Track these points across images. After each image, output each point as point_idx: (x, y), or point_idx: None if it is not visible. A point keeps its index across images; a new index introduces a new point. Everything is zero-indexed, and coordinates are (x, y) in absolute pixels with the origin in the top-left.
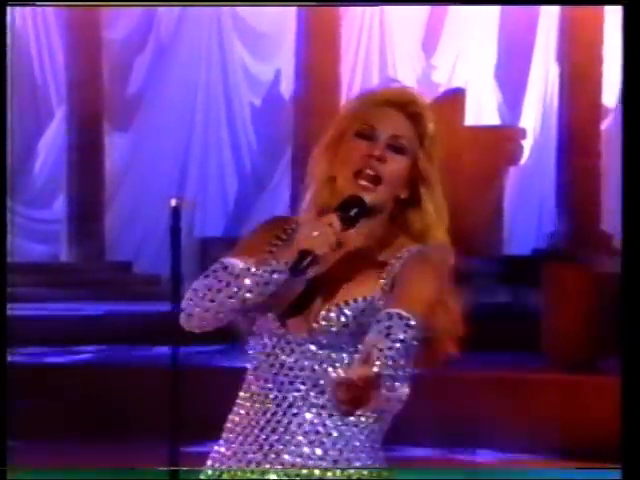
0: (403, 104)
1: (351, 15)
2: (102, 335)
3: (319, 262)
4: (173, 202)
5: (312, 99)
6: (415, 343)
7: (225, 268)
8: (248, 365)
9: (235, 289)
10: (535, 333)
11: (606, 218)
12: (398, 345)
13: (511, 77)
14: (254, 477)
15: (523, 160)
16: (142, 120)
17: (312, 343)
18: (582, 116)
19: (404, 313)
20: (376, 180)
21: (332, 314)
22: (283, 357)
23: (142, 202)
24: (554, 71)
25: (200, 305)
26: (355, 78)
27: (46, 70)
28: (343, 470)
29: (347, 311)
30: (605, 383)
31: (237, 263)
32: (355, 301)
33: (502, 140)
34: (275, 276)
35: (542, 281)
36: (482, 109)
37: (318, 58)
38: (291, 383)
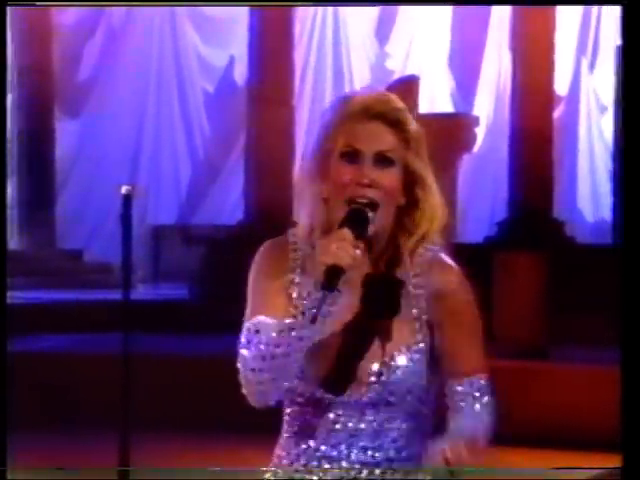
0: (381, 113)
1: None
2: (53, 323)
3: (344, 274)
4: (124, 189)
5: (265, 86)
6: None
7: (258, 332)
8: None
9: (281, 349)
10: (486, 321)
11: (558, 206)
12: (486, 412)
13: (464, 65)
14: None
15: (476, 148)
16: (93, 106)
17: (363, 404)
18: (535, 104)
19: (478, 380)
20: (371, 206)
21: (380, 373)
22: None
23: (93, 189)
24: (507, 58)
25: (257, 383)
26: (309, 65)
27: None
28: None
29: (394, 365)
30: (555, 370)
31: (268, 321)
32: (399, 351)
33: (455, 128)
34: (313, 311)
35: (494, 269)
36: (435, 96)
37: (272, 45)
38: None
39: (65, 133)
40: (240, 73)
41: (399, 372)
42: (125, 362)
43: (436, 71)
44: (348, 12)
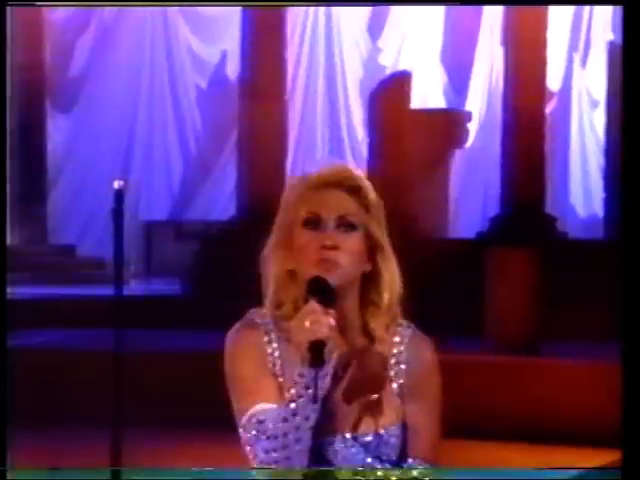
0: (340, 181)
1: None
2: (44, 319)
3: (328, 346)
4: (116, 184)
5: (258, 82)
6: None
7: (261, 422)
8: None
9: (292, 435)
10: (479, 316)
11: (551, 201)
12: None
13: (456, 60)
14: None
15: (469, 143)
16: (85, 102)
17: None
18: (527, 99)
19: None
20: (335, 266)
21: (373, 443)
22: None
23: (85, 185)
24: (499, 55)
25: (275, 463)
26: (301, 61)
27: None
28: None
29: (386, 438)
30: (547, 365)
31: (268, 409)
32: (389, 425)
33: (448, 123)
34: (310, 391)
35: (486, 265)
36: (428, 92)
37: (264, 40)
38: None
39: (57, 129)
40: (232, 69)
41: (390, 444)
42: (117, 358)
43: (428, 67)
44: (341, 8)
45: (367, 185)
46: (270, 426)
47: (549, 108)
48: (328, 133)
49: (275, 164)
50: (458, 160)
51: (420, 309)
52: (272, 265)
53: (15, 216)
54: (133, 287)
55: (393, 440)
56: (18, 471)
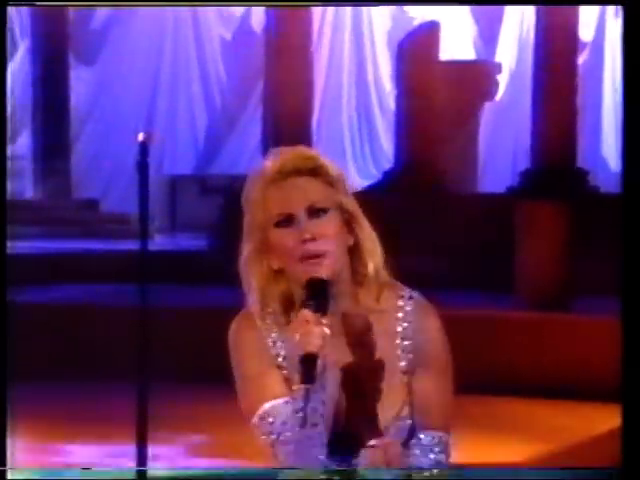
0: (298, 167)
1: None
2: (69, 274)
3: (319, 358)
4: (141, 137)
5: (284, 34)
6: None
7: (271, 423)
8: None
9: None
10: (508, 272)
11: (582, 155)
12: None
13: (487, 11)
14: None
15: (498, 96)
16: (108, 54)
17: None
18: (559, 51)
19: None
20: (321, 257)
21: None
22: None
23: (109, 138)
24: (530, 4)
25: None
26: (327, 12)
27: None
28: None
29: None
30: (577, 321)
31: (278, 405)
32: (400, 408)
33: (477, 75)
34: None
35: (516, 219)
36: (457, 44)
37: None
38: None
39: (80, 81)
40: (258, 21)
41: (402, 428)
42: (142, 313)
43: (458, 18)
44: None
45: (324, 162)
46: (279, 425)
47: (581, 59)
48: (355, 86)
49: (300, 118)
50: (487, 113)
51: (449, 264)
52: (254, 268)
53: (38, 170)
54: (158, 242)
55: (403, 425)
56: (18, 471)
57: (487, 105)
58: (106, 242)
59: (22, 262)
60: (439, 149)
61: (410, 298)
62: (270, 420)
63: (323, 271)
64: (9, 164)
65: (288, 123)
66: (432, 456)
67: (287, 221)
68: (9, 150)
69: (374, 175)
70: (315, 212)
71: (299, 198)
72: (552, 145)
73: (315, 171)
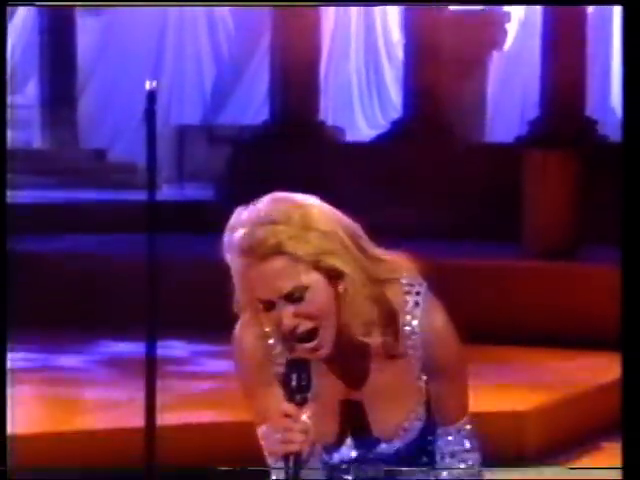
0: (259, 254)
1: None
2: (76, 224)
3: (303, 455)
4: (148, 84)
5: None
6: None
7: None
8: None
9: None
10: (517, 221)
11: (591, 104)
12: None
13: None
14: None
15: (507, 45)
16: (115, 1)
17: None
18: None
19: (463, 426)
20: (312, 333)
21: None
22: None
23: (117, 88)
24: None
25: None
26: None
27: None
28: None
29: (408, 430)
30: (586, 270)
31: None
32: (412, 414)
33: (486, 25)
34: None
35: (524, 168)
36: None
37: None
38: None
39: (88, 29)
40: None
41: (413, 433)
42: (150, 263)
43: None
44: None
45: (281, 239)
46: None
47: (591, 8)
48: (363, 35)
49: (308, 68)
50: (496, 62)
51: (458, 214)
52: (249, 344)
53: (46, 120)
54: (166, 192)
55: (413, 433)
56: (18, 471)
57: (496, 54)
58: (113, 192)
59: (29, 212)
60: (447, 99)
61: (417, 294)
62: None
63: (318, 358)
64: (16, 114)
65: (296, 72)
66: (467, 445)
67: (269, 307)
68: (16, 99)
69: (382, 125)
70: (292, 298)
71: (272, 288)
72: (561, 94)
73: (277, 251)
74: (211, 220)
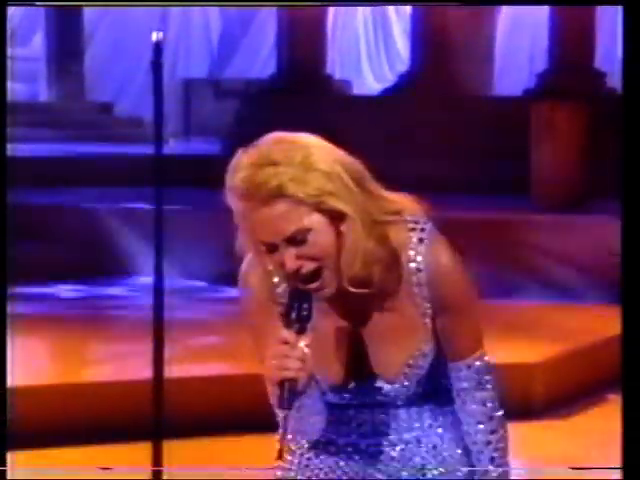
0: (259, 198)
1: None
2: (83, 177)
3: (299, 383)
4: (154, 36)
5: None
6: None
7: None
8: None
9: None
10: (525, 174)
11: (600, 56)
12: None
13: None
14: None
15: None
16: None
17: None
18: None
19: (480, 358)
20: (315, 274)
21: (401, 377)
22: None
23: (123, 41)
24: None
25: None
26: None
27: None
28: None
29: (413, 367)
30: (594, 223)
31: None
32: (418, 352)
33: None
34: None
35: (533, 121)
36: None
37: None
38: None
39: None
40: None
41: (423, 370)
42: (157, 217)
43: None
44: None
45: (282, 180)
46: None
47: None
48: None
49: (315, 21)
50: (504, 14)
51: (466, 168)
52: (254, 285)
53: (52, 72)
54: (172, 145)
55: (421, 370)
56: (18, 471)
57: (504, 6)
58: (120, 145)
59: (36, 165)
60: (454, 52)
61: (422, 230)
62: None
63: (320, 292)
64: (22, 66)
65: (303, 25)
66: (483, 388)
67: (272, 249)
68: (22, 52)
69: (389, 79)
70: (294, 241)
71: (275, 231)
72: (569, 46)
73: (278, 194)
74: (218, 174)
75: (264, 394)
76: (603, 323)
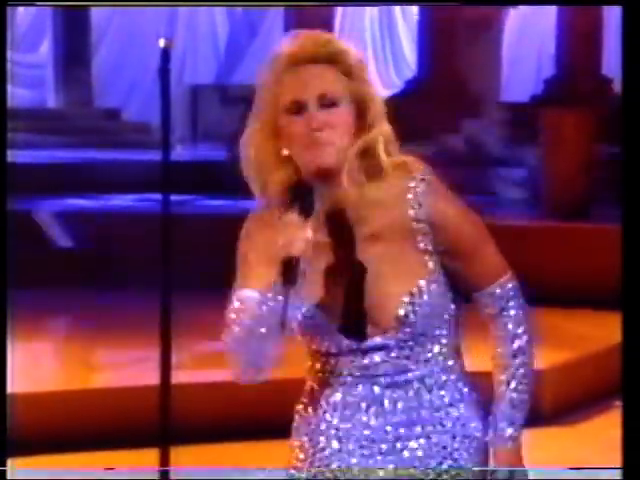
0: (315, 53)
1: None
2: (89, 183)
3: (301, 263)
4: (162, 42)
5: None
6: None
7: (241, 309)
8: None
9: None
10: (533, 181)
11: (607, 62)
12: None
13: None
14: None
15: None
16: None
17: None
18: None
19: (507, 283)
20: (326, 145)
21: (401, 312)
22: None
23: (130, 47)
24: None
25: (247, 362)
26: None
27: None
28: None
29: (414, 303)
30: (598, 230)
31: (249, 295)
32: (418, 287)
33: None
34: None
35: (540, 127)
36: None
37: None
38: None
39: None
40: None
41: (423, 307)
42: (164, 223)
43: None
44: None
45: (343, 48)
46: (243, 313)
47: None
48: None
49: (322, 25)
50: (512, 19)
51: (471, 173)
52: (256, 148)
53: (59, 79)
54: (180, 152)
55: (423, 308)
56: (18, 471)
57: (511, 11)
58: (127, 152)
59: (43, 172)
60: (462, 57)
61: (422, 180)
62: (238, 306)
63: (326, 158)
64: (29, 73)
65: (310, 29)
66: (512, 303)
67: (298, 108)
68: (30, 58)
69: (396, 84)
70: (327, 102)
71: (312, 86)
72: (576, 52)
73: (333, 58)
74: (225, 180)
75: (271, 401)
76: (611, 330)
